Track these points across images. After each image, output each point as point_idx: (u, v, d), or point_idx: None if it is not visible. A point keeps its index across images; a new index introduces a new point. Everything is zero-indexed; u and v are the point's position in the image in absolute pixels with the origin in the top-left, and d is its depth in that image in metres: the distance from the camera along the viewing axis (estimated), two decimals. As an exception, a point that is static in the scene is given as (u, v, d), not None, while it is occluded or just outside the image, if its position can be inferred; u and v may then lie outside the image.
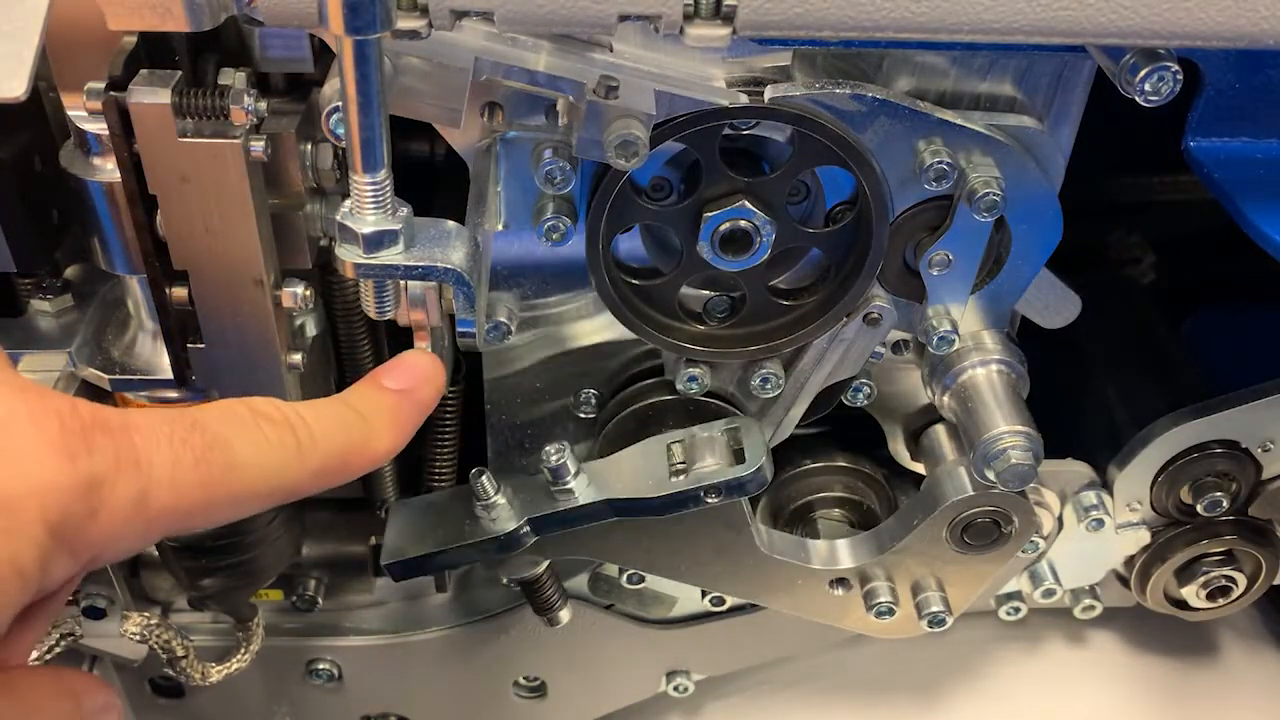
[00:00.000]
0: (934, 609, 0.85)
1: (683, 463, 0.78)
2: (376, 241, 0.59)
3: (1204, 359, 0.98)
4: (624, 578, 0.94)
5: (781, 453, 0.86)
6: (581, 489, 0.78)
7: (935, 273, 0.74)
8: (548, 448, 0.77)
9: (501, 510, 0.79)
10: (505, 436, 0.85)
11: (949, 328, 0.76)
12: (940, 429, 0.86)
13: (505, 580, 0.87)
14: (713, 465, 0.77)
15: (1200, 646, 1.09)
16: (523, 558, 0.82)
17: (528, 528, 0.78)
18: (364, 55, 0.52)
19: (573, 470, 0.77)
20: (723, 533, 0.81)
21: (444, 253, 0.61)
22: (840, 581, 0.85)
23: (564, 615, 0.90)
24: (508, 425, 0.84)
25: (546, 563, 0.86)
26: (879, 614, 0.85)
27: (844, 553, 0.85)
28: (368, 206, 0.59)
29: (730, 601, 0.97)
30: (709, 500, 0.77)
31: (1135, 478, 0.88)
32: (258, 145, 0.64)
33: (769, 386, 0.79)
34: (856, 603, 0.86)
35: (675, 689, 1.03)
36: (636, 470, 0.78)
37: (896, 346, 0.81)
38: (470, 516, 0.80)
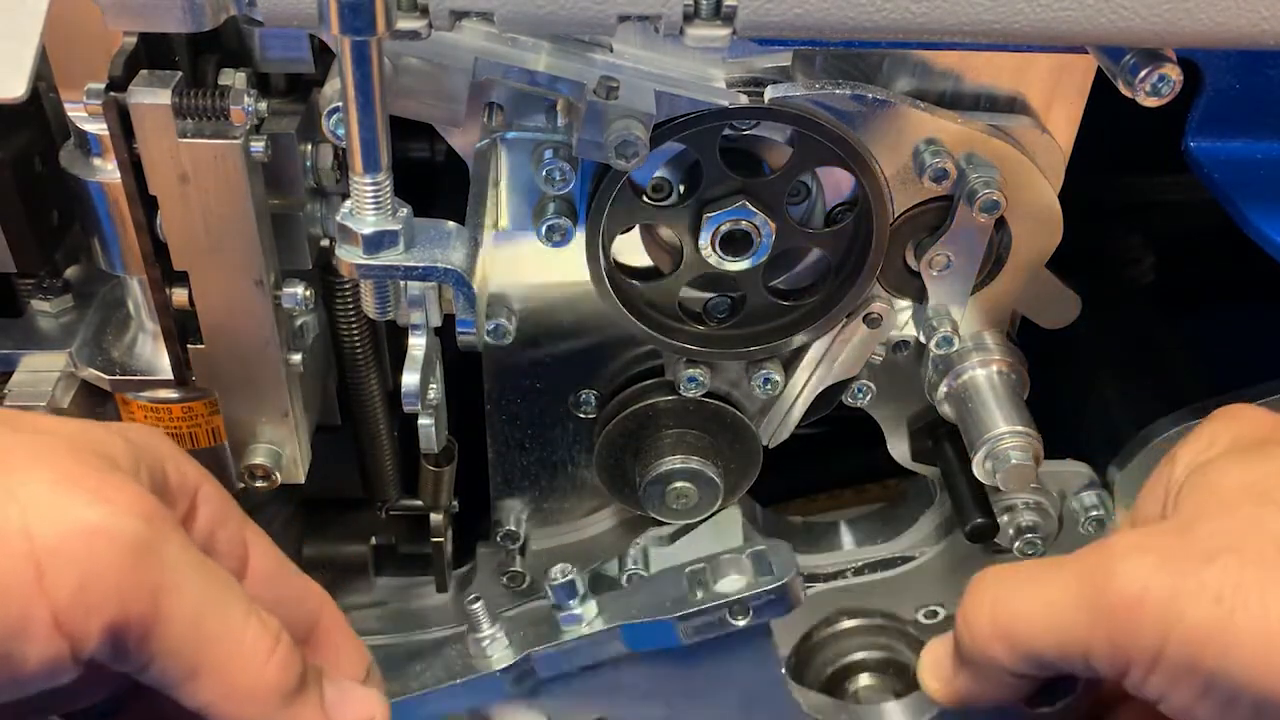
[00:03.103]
0: None
1: (703, 583, 0.69)
2: (376, 242, 0.59)
3: (1204, 359, 0.98)
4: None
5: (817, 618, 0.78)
6: (590, 616, 0.68)
7: (935, 273, 0.74)
8: (553, 570, 0.68)
9: (497, 644, 0.68)
10: (505, 436, 0.85)
11: (949, 328, 0.76)
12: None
13: None
14: (738, 581, 0.68)
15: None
16: (526, 710, 0.70)
17: (528, 664, 0.68)
18: (363, 56, 0.52)
19: (580, 592, 0.68)
20: (751, 674, 0.70)
21: (444, 253, 0.61)
22: None
23: None
24: (508, 425, 0.84)
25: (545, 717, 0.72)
26: None
27: (894, 716, 0.74)
28: (368, 207, 0.59)
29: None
30: (736, 622, 0.66)
31: (1135, 478, 0.88)
32: (258, 145, 0.64)
33: (769, 387, 0.79)
34: None
35: (675, 689, 1.03)
36: (653, 595, 0.69)
37: (896, 346, 0.81)
38: (462, 654, 0.69)
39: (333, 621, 0.66)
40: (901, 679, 0.80)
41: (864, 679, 0.80)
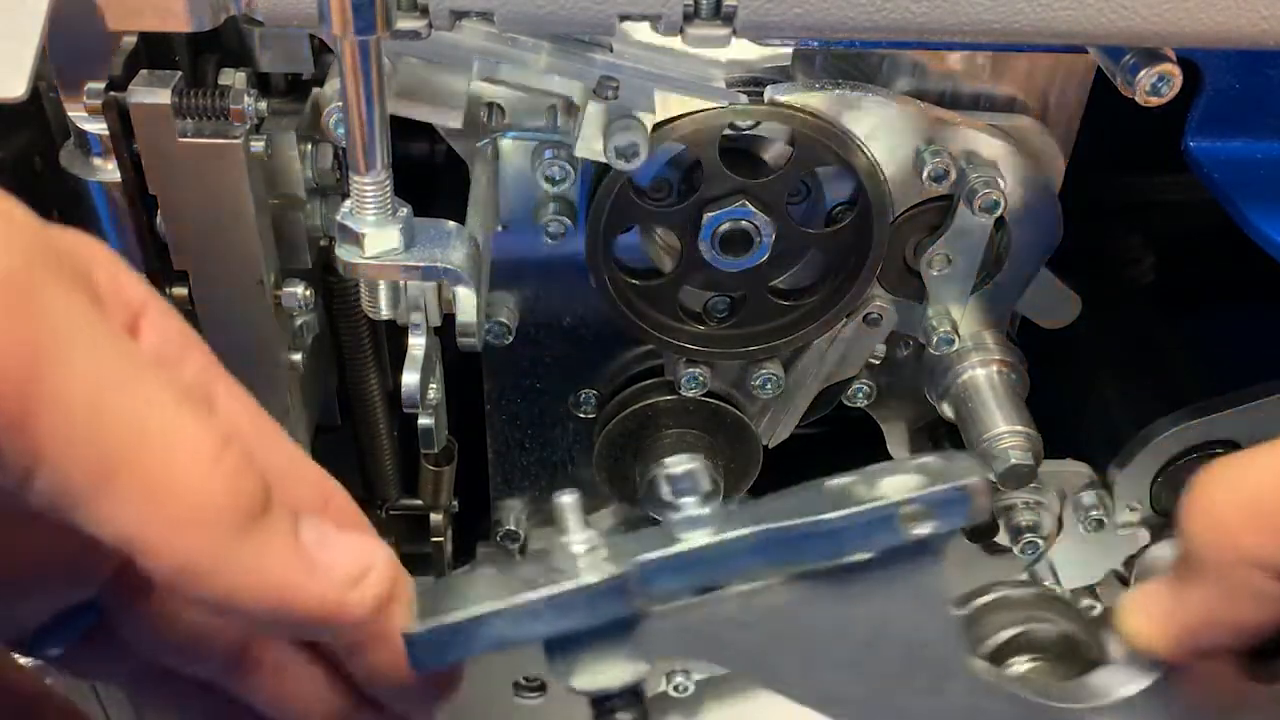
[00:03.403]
0: None
1: (855, 496, 0.51)
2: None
3: (1204, 359, 0.98)
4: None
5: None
6: (716, 520, 0.49)
7: (935, 273, 0.74)
8: (668, 459, 0.49)
9: (595, 554, 0.48)
10: (505, 436, 0.85)
11: (949, 328, 0.76)
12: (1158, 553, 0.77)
13: (575, 690, 0.50)
14: (907, 483, 0.49)
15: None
16: (616, 656, 0.49)
17: (631, 578, 0.47)
18: (364, 55, 0.52)
19: (705, 489, 0.49)
20: (920, 620, 0.50)
21: (444, 253, 0.61)
22: None
23: None
24: (508, 425, 0.84)
25: (645, 671, 0.50)
26: None
27: (1112, 681, 0.56)
28: (368, 206, 0.59)
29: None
30: (911, 531, 0.47)
31: (1135, 478, 0.88)
32: (258, 145, 0.64)
33: (769, 387, 0.79)
34: None
35: (675, 689, 1.03)
36: (795, 504, 0.51)
37: (896, 346, 0.81)
38: (544, 568, 0.48)
39: (341, 506, 0.50)
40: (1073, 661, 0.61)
41: (1023, 662, 0.62)
